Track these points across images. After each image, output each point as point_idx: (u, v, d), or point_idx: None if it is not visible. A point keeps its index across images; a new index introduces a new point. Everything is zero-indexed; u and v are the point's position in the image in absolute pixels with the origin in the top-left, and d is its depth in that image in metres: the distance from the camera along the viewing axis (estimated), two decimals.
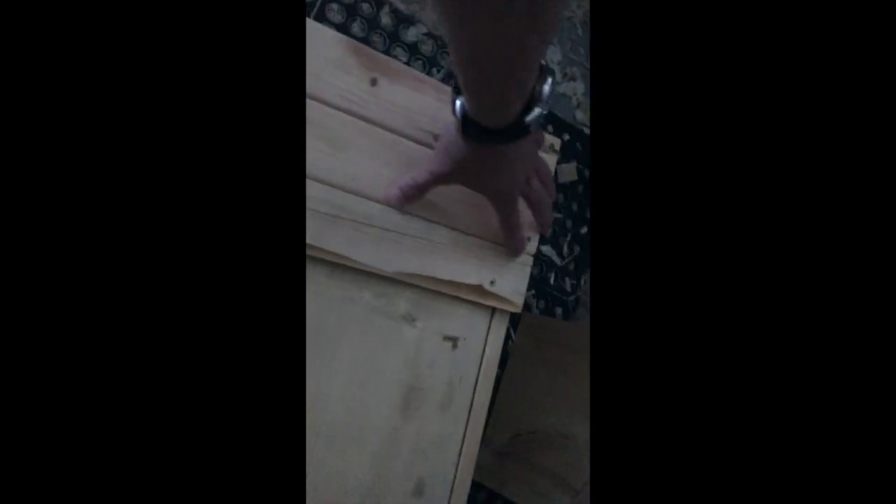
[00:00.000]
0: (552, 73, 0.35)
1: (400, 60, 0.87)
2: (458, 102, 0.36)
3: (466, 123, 0.36)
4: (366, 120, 0.44)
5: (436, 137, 0.46)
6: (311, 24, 0.42)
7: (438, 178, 0.42)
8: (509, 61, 0.29)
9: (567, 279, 0.79)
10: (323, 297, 0.43)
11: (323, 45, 0.43)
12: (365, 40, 0.84)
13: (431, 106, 0.47)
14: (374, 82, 0.44)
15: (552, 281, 0.78)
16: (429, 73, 0.88)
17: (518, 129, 0.35)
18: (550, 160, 0.52)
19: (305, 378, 0.43)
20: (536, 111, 0.35)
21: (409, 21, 0.86)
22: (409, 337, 0.47)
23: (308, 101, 0.42)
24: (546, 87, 0.35)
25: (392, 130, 0.45)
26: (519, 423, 0.70)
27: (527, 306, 0.74)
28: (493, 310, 0.51)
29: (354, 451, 0.44)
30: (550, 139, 0.52)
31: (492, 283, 0.49)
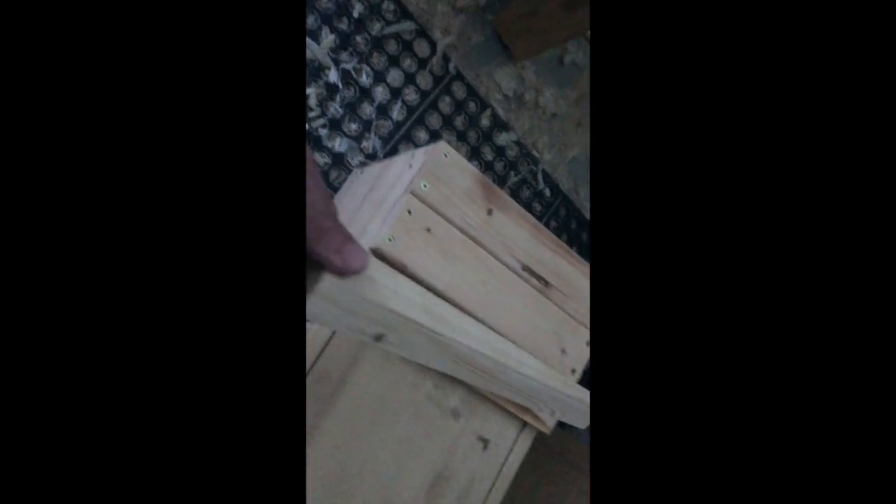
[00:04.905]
0: None
1: (486, 159, 0.96)
2: None
3: None
4: (476, 242, 0.51)
5: (524, 267, 0.54)
6: (454, 154, 0.50)
7: None
8: None
9: None
10: (394, 376, 0.50)
11: (461, 174, 0.51)
12: (462, 135, 0.93)
13: (528, 241, 0.54)
14: (489, 212, 0.52)
15: None
16: (505, 177, 0.97)
17: None
18: None
19: (305, 385, 0.48)
20: None
21: (504, 127, 0.95)
22: (451, 430, 0.53)
23: (436, 217, 0.49)
24: None
25: (494, 255, 0.52)
26: None
27: None
28: (525, 423, 0.57)
29: None
30: None
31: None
